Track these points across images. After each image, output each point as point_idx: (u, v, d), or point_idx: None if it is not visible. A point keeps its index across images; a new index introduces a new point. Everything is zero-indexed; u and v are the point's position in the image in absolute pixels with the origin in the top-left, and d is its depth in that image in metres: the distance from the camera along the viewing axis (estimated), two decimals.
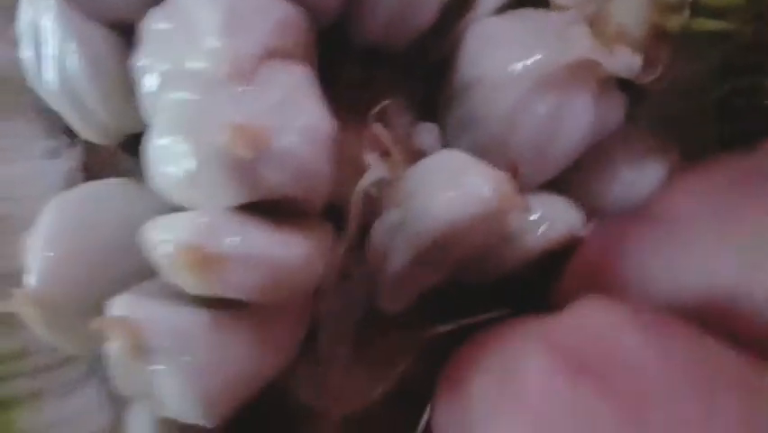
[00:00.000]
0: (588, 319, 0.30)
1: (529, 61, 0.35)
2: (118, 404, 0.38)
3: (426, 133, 0.38)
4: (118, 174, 0.40)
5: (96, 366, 0.39)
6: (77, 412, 0.38)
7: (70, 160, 0.40)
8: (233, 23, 0.30)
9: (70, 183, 0.40)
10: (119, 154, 0.40)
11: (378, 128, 0.34)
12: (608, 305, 0.30)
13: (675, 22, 0.36)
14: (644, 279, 0.33)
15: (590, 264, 0.35)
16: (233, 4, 0.30)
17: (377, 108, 0.35)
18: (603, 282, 0.34)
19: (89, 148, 0.40)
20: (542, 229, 0.35)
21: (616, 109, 0.36)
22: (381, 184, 0.35)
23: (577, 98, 0.35)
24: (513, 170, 0.33)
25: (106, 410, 0.38)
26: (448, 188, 0.32)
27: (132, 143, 0.39)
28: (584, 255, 0.36)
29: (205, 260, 0.28)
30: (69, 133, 0.40)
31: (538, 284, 0.38)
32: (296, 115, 0.29)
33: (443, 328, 0.38)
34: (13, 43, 0.39)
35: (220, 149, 0.27)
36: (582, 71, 0.35)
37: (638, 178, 0.38)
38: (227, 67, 0.28)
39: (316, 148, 0.29)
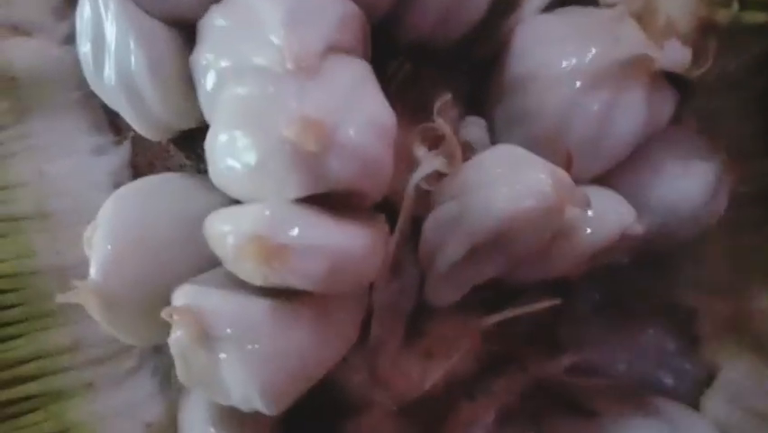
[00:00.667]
0: None
1: (583, 58, 0.35)
2: (171, 395, 0.39)
3: (474, 126, 0.39)
4: (168, 170, 0.41)
5: (147, 358, 0.39)
6: (129, 403, 0.39)
7: (117, 156, 0.41)
8: (297, 18, 0.30)
9: (117, 180, 0.40)
10: (169, 149, 0.40)
11: (441, 124, 0.34)
12: None
13: (724, 15, 0.36)
14: None
15: None
16: (297, 0, 0.30)
17: (438, 103, 0.35)
18: None
19: (136, 145, 0.41)
20: (594, 225, 0.35)
21: (667, 105, 0.37)
22: (433, 177, 0.35)
23: (630, 94, 0.35)
24: (568, 162, 0.33)
25: (159, 401, 0.39)
26: (507, 183, 0.33)
27: (182, 139, 0.39)
28: None
29: (269, 250, 0.28)
30: (116, 130, 0.41)
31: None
32: (360, 108, 0.29)
33: (494, 319, 0.37)
34: (61, 41, 0.40)
35: (287, 142, 0.28)
36: (635, 67, 0.35)
37: (685, 176, 0.38)
38: (292, 62, 0.29)
39: (380, 141, 0.30)
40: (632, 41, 0.34)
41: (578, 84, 0.35)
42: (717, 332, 0.43)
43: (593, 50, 0.35)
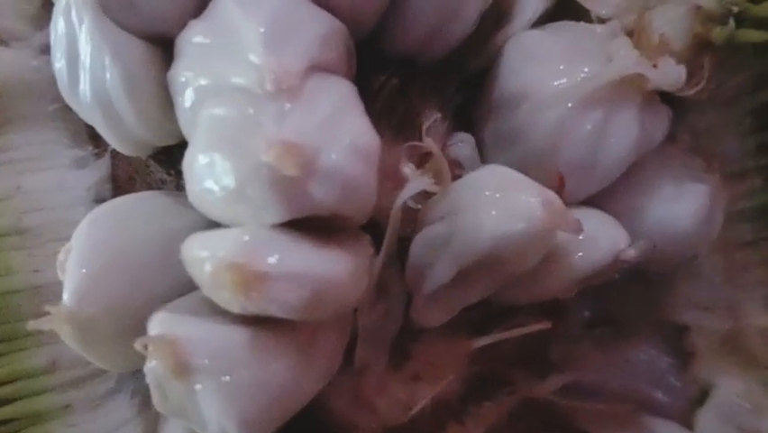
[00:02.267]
0: None
1: (575, 77, 0.34)
2: (149, 418, 0.38)
3: (463, 143, 0.38)
4: (148, 185, 0.40)
5: (125, 380, 0.38)
6: (108, 425, 0.38)
7: (97, 170, 0.40)
8: (277, 37, 0.29)
9: (98, 194, 0.40)
10: (150, 165, 0.39)
11: (429, 143, 0.34)
12: None
13: (719, 33, 0.35)
14: None
15: None
16: (276, 17, 0.30)
17: (428, 122, 0.35)
18: None
19: (116, 158, 0.40)
20: (586, 248, 0.34)
21: (661, 123, 0.36)
22: (420, 196, 0.35)
23: (622, 113, 0.35)
24: (560, 184, 0.33)
25: (137, 424, 0.38)
26: (498, 205, 0.32)
27: (163, 154, 0.38)
28: None
29: (247, 278, 0.28)
30: (96, 143, 0.40)
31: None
32: (342, 131, 0.29)
33: (482, 341, 0.37)
34: (39, 51, 0.40)
35: (266, 167, 0.27)
36: (628, 86, 0.34)
37: (679, 199, 0.38)
38: (272, 83, 0.28)
39: (364, 164, 0.29)
40: (625, 59, 0.34)
41: (570, 103, 0.34)
42: (711, 349, 0.42)
43: (585, 69, 0.34)
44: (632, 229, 0.36)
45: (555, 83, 0.34)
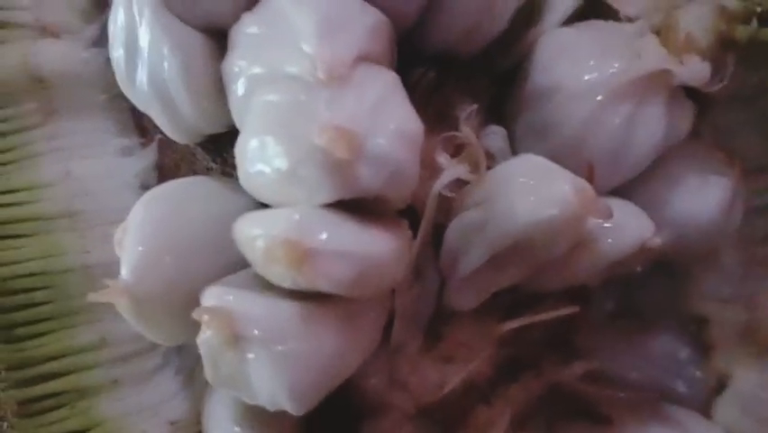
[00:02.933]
0: None
1: (604, 72, 0.36)
2: (194, 393, 0.40)
3: (495, 136, 0.39)
4: (194, 173, 0.41)
5: (171, 356, 0.40)
6: (154, 400, 0.40)
7: (144, 158, 0.41)
8: (329, 28, 0.31)
9: (144, 181, 0.41)
10: (196, 152, 0.41)
11: (467, 132, 0.35)
12: None
13: (743, 31, 0.36)
14: None
15: None
16: (328, 9, 0.31)
17: (465, 112, 0.36)
18: None
19: (162, 147, 0.42)
20: (614, 236, 0.36)
21: (686, 118, 0.37)
22: (455, 184, 0.36)
23: (650, 108, 0.36)
24: (590, 173, 0.34)
25: (183, 399, 0.40)
26: (531, 192, 0.33)
27: (209, 142, 0.40)
28: None
29: (299, 254, 0.29)
30: (142, 132, 0.42)
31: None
32: (389, 117, 0.30)
33: (512, 325, 0.38)
34: (89, 43, 0.41)
35: (319, 150, 0.28)
36: (655, 81, 0.35)
37: (702, 191, 0.39)
38: (324, 71, 0.30)
39: (408, 149, 0.30)
40: (652, 56, 0.35)
41: (599, 97, 0.36)
42: (729, 341, 0.43)
43: (615, 65, 0.36)
44: (656, 219, 0.37)
45: (586, 77, 0.36)
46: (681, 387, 0.43)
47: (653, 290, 0.43)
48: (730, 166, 0.39)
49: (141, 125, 0.42)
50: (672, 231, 0.38)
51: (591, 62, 0.36)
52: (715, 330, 0.43)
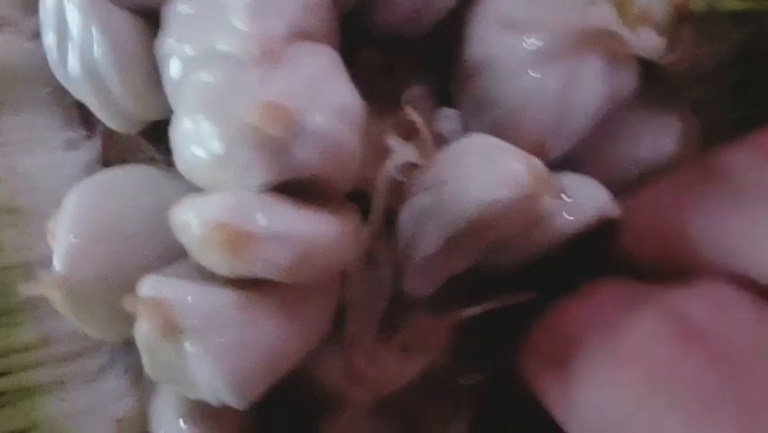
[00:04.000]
0: (708, 293, 0.31)
1: (539, 34, 0.35)
2: (142, 391, 0.38)
3: (447, 118, 0.38)
4: (139, 163, 0.40)
5: (118, 354, 0.39)
6: (101, 400, 0.38)
7: (89, 151, 0.40)
8: (261, 4, 0.30)
9: (90, 174, 0.39)
10: (140, 143, 0.40)
11: (410, 112, 0.34)
12: (729, 286, 0.31)
13: (699, 3, 0.36)
14: (709, 242, 0.33)
15: (651, 226, 0.36)
16: None
17: (408, 92, 0.35)
18: (666, 245, 0.34)
19: (107, 139, 0.40)
20: (571, 211, 0.35)
21: (629, 77, 0.36)
22: (406, 168, 0.35)
23: (587, 68, 0.35)
24: (540, 148, 0.33)
25: (130, 397, 0.39)
26: (482, 172, 0.32)
27: (153, 131, 0.39)
28: (644, 215, 0.37)
29: (234, 238, 0.28)
30: (87, 125, 0.41)
31: (562, 264, 0.38)
32: (326, 94, 0.29)
33: (470, 312, 0.37)
34: (31, 35, 0.40)
35: (250, 128, 0.27)
36: (594, 38, 0.34)
37: (652, 130, 0.38)
38: (256, 48, 0.29)
39: (348, 127, 0.29)
40: (601, 16, 0.34)
41: (533, 60, 0.35)
42: None
43: (552, 25, 0.35)
44: (613, 175, 0.37)
45: (520, 42, 0.35)
46: None
47: None
48: (682, 116, 0.39)
49: (86, 119, 0.41)
50: (629, 196, 0.37)
51: (526, 25, 0.35)
52: None
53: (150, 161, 0.40)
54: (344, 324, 0.36)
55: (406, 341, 0.38)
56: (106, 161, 0.40)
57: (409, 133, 0.37)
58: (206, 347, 0.29)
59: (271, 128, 0.27)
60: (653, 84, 0.38)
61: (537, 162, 0.32)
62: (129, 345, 0.38)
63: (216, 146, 0.29)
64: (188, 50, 0.31)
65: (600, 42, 0.34)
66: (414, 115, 0.34)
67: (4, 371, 0.38)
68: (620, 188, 0.37)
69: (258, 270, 0.28)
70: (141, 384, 0.38)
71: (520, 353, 0.36)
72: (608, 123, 0.37)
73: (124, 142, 0.40)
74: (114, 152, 0.40)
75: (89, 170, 0.40)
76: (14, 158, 0.40)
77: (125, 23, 0.34)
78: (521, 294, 0.38)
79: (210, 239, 0.28)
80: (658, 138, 0.38)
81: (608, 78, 0.35)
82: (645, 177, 0.38)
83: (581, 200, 0.35)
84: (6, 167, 0.39)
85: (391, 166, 0.35)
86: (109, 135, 0.40)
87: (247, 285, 0.30)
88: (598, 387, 0.31)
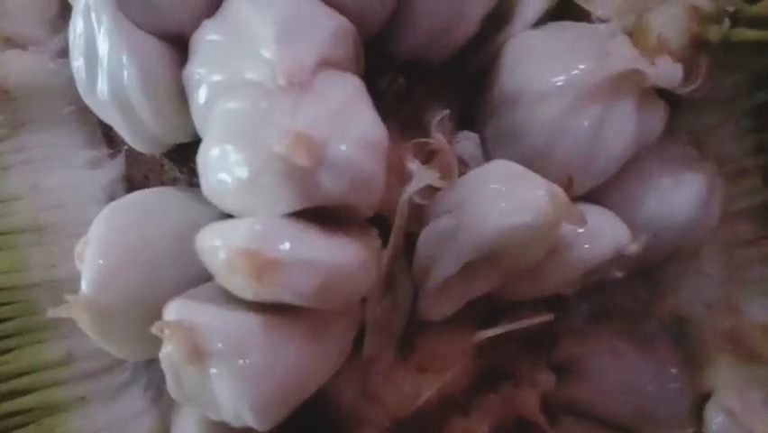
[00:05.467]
0: None
1: (573, 73, 0.35)
2: (163, 408, 0.39)
3: (467, 141, 0.39)
4: (162, 184, 0.41)
5: (139, 372, 0.39)
6: (122, 417, 0.39)
7: (112, 170, 0.41)
8: (289, 33, 0.30)
9: (113, 192, 0.40)
10: (164, 162, 0.40)
11: (437, 137, 0.34)
12: None
13: (715, 32, 0.36)
14: None
15: None
16: (288, 14, 0.31)
17: (430, 116, 0.35)
18: None
19: (130, 158, 0.41)
20: (589, 241, 0.35)
21: (657, 119, 0.37)
22: (426, 192, 0.36)
23: (620, 108, 0.35)
24: (568, 182, 0.33)
25: (151, 415, 0.39)
26: (504, 199, 0.33)
27: (176, 153, 0.39)
28: None
29: (260, 265, 0.28)
30: (110, 144, 0.41)
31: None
32: (352, 124, 0.29)
33: (487, 334, 0.38)
34: (56, 54, 0.40)
35: (278, 157, 0.28)
36: (625, 82, 0.35)
37: (677, 188, 0.38)
38: (284, 77, 0.29)
39: (372, 156, 0.30)
40: (623, 56, 0.35)
41: (568, 99, 0.35)
42: (712, 346, 0.43)
43: (583, 65, 0.35)
44: (631, 220, 0.37)
45: (554, 79, 0.35)
46: (666, 392, 0.43)
47: (633, 294, 0.43)
48: (704, 162, 0.39)
49: (109, 137, 0.41)
50: (649, 234, 0.37)
51: (559, 64, 0.36)
52: (697, 335, 0.43)
53: (174, 180, 0.40)
54: (363, 344, 0.37)
55: (423, 362, 0.38)
56: (130, 179, 0.41)
57: (430, 156, 0.37)
58: (231, 371, 0.29)
59: (299, 158, 0.28)
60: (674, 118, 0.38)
61: (559, 190, 0.33)
62: (150, 363, 0.39)
63: (243, 173, 0.29)
64: (216, 77, 0.31)
65: (626, 81, 0.35)
66: (441, 142, 0.34)
67: (29, 388, 0.38)
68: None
69: (283, 296, 0.29)
70: (162, 401, 0.39)
71: None
72: (628, 165, 0.37)
73: (148, 161, 0.41)
74: (138, 170, 0.41)
75: (112, 189, 0.40)
76: (37, 175, 0.40)
77: (154, 49, 0.34)
78: (538, 316, 0.38)
79: (236, 265, 0.28)
80: (677, 192, 0.38)
81: (638, 118, 0.36)
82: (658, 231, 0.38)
83: (599, 233, 0.36)
84: (30, 184, 0.40)
85: (412, 189, 0.35)
86: (132, 154, 0.40)
87: (271, 309, 0.30)
88: None
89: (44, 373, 0.38)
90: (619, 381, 0.42)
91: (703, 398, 0.43)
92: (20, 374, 0.38)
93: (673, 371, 0.43)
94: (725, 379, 0.42)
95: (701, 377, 0.43)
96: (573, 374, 0.42)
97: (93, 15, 0.34)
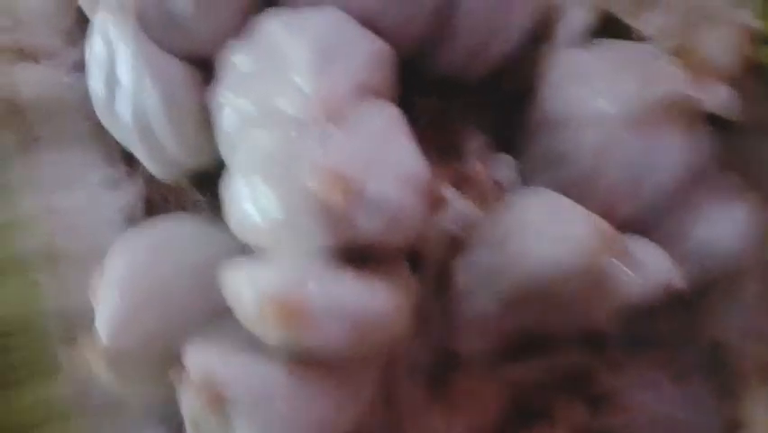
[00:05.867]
0: None
1: (620, 97, 0.33)
2: None
3: (503, 164, 0.37)
4: (182, 207, 0.39)
5: (152, 409, 0.37)
6: None
7: (130, 191, 0.39)
8: (324, 59, 0.28)
9: (130, 214, 0.39)
10: (184, 186, 0.39)
11: (476, 165, 0.33)
12: None
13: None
14: None
15: None
16: (324, 38, 0.29)
17: (468, 142, 0.34)
18: None
19: (150, 179, 0.39)
20: (634, 279, 0.33)
21: (706, 147, 0.35)
22: (460, 220, 0.34)
23: (668, 135, 0.34)
24: (611, 212, 0.32)
25: None
26: (546, 234, 0.31)
27: (197, 176, 0.38)
28: None
29: (289, 313, 0.27)
30: (129, 163, 0.40)
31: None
32: (389, 159, 0.28)
33: (522, 369, 0.36)
34: (71, 68, 0.39)
35: (312, 194, 0.26)
36: (674, 107, 0.33)
37: (724, 219, 0.37)
38: (319, 110, 0.27)
39: (411, 194, 0.28)
40: (670, 79, 0.33)
41: (616, 125, 0.34)
42: (750, 377, 0.41)
43: (632, 89, 0.33)
44: (677, 251, 0.35)
45: (600, 104, 0.34)
46: (702, 422, 0.41)
47: (670, 319, 0.41)
48: (749, 192, 0.38)
49: (127, 155, 0.39)
50: (696, 268, 0.36)
51: (606, 86, 0.34)
52: (735, 365, 0.42)
53: (195, 203, 0.39)
54: (393, 381, 0.35)
55: (455, 399, 0.37)
56: (148, 200, 0.39)
57: (462, 181, 0.36)
58: (253, 421, 0.28)
59: (332, 196, 0.26)
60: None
61: (605, 225, 0.31)
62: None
63: (273, 209, 0.28)
64: (245, 104, 0.30)
65: (676, 106, 0.33)
66: (480, 171, 0.33)
67: (40, 421, 0.37)
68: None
69: (313, 345, 0.27)
70: None
71: None
72: (680, 190, 0.35)
73: (168, 184, 0.39)
74: (157, 192, 0.39)
75: (130, 213, 0.39)
76: (52, 196, 0.39)
77: (178, 71, 0.33)
78: (577, 351, 0.37)
79: (264, 313, 0.27)
80: (726, 223, 0.37)
81: (687, 146, 0.34)
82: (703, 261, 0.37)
83: (646, 268, 0.34)
84: (44, 206, 0.38)
85: (447, 219, 0.34)
86: (151, 176, 0.38)
87: (299, 356, 0.28)
88: None
89: (56, 407, 0.37)
90: (656, 411, 0.41)
91: (737, 428, 0.41)
92: (31, 407, 0.37)
93: (709, 401, 0.42)
94: (760, 411, 0.41)
95: (736, 408, 0.41)
96: (608, 404, 0.40)
97: (111, 33, 0.32)
